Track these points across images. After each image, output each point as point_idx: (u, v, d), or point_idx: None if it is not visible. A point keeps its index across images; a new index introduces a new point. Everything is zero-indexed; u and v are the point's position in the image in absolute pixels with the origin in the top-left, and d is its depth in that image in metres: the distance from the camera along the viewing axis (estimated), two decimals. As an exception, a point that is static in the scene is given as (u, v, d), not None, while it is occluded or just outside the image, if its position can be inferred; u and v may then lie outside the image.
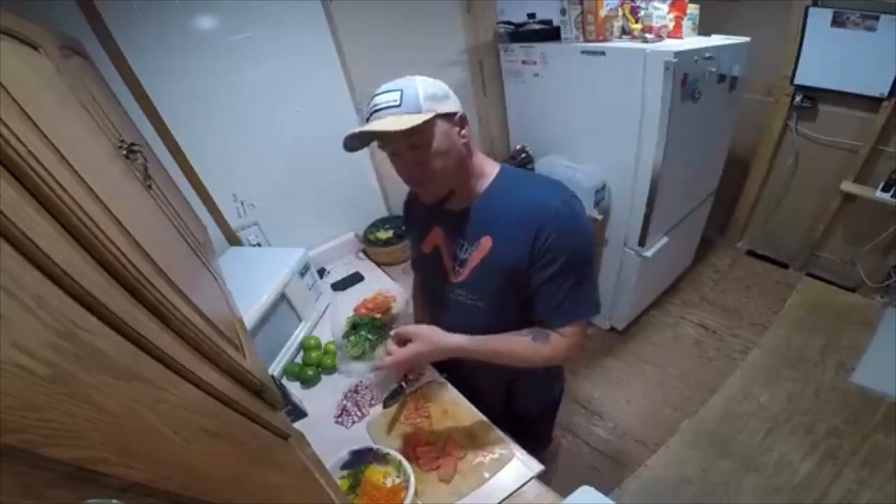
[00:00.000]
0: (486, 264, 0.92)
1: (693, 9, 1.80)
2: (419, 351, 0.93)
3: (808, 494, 1.49)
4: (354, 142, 0.83)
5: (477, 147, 0.92)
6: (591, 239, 0.91)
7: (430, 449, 1.03)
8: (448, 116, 0.82)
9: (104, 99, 0.88)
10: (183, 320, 0.45)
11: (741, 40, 1.82)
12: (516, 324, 0.97)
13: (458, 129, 0.85)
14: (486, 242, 0.91)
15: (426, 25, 1.78)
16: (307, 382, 1.29)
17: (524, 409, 1.26)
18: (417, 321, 1.26)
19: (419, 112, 0.78)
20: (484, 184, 0.91)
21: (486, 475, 0.98)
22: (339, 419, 1.16)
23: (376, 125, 0.78)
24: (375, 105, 0.80)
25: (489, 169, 0.92)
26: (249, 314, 1.17)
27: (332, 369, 1.31)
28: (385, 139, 0.82)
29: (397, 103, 0.78)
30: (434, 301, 1.15)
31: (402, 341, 0.95)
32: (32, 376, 0.21)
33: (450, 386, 1.18)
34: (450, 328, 1.06)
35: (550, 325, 0.92)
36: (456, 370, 1.20)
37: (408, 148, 0.81)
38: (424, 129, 0.78)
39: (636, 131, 1.68)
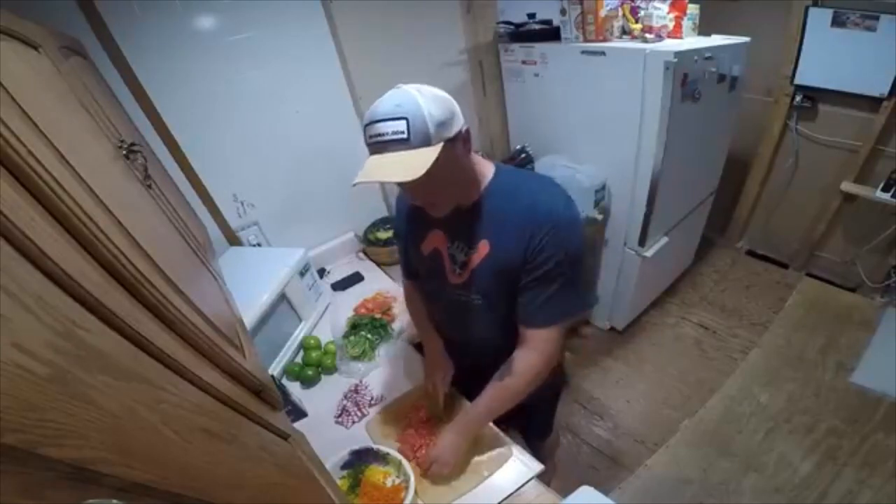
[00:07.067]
0: (485, 266, 0.93)
1: (693, 9, 1.80)
2: (450, 458, 0.98)
3: (808, 494, 1.49)
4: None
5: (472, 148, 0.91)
6: (582, 245, 0.91)
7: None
8: (454, 139, 0.78)
9: (104, 99, 0.88)
10: (183, 320, 0.45)
11: (741, 40, 1.82)
12: (512, 319, 0.98)
13: (462, 145, 0.81)
14: (483, 246, 0.91)
15: (426, 25, 1.78)
16: (307, 382, 1.29)
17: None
18: (425, 342, 1.22)
19: (429, 144, 0.73)
20: (481, 185, 0.91)
21: (486, 473, 0.98)
22: (339, 419, 1.16)
23: (388, 169, 0.74)
24: (381, 135, 0.73)
25: (485, 170, 0.92)
26: (249, 314, 1.17)
27: (332, 369, 1.31)
28: None
29: (405, 136, 0.72)
30: (434, 303, 1.15)
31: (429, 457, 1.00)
32: (32, 376, 0.21)
33: (457, 393, 1.18)
34: (451, 327, 1.08)
35: (527, 326, 0.94)
36: (460, 362, 1.19)
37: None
38: (435, 160, 0.74)
39: (636, 131, 1.68)
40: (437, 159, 0.73)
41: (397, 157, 0.73)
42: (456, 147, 0.79)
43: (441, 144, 0.74)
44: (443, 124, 0.74)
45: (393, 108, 0.73)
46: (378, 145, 0.75)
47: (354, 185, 0.77)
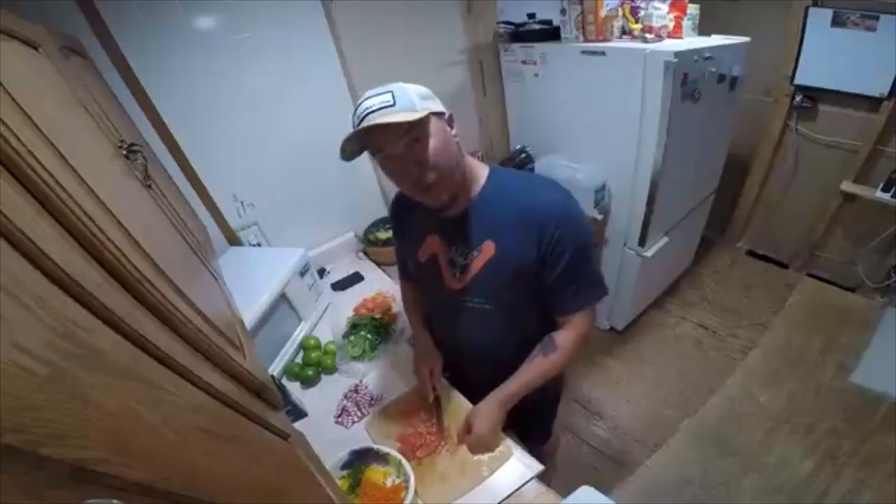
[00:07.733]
0: (492, 268, 0.92)
1: (693, 9, 1.80)
2: (488, 428, 0.99)
3: (808, 494, 1.49)
4: (353, 144, 0.80)
5: (465, 150, 0.92)
6: (591, 230, 0.96)
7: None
8: (440, 115, 0.82)
9: (104, 99, 0.88)
10: (183, 320, 0.45)
11: (741, 40, 1.82)
12: (526, 321, 0.99)
13: (450, 128, 0.85)
14: (488, 247, 0.91)
15: (426, 25, 1.78)
16: (307, 382, 1.29)
17: (525, 401, 1.26)
18: (416, 335, 1.24)
19: (415, 110, 0.77)
20: (477, 187, 0.91)
21: (485, 473, 0.98)
22: (339, 419, 1.16)
23: (374, 122, 0.75)
24: (368, 108, 0.77)
25: (479, 171, 0.92)
26: (249, 314, 1.17)
27: (332, 369, 1.31)
28: (383, 140, 0.78)
29: (391, 103, 0.76)
30: (437, 309, 1.15)
31: (468, 425, 1.01)
32: (32, 376, 0.21)
33: (449, 385, 1.18)
34: (458, 334, 1.07)
35: (564, 314, 0.97)
36: (456, 367, 1.20)
37: (407, 144, 0.77)
38: (423, 123, 0.77)
39: (636, 131, 1.68)
40: (425, 120, 0.77)
41: (383, 113, 0.77)
42: (443, 123, 0.83)
43: (427, 111, 0.78)
44: (425, 97, 0.81)
45: (378, 89, 0.79)
46: (366, 116, 0.78)
47: (346, 137, 0.78)
